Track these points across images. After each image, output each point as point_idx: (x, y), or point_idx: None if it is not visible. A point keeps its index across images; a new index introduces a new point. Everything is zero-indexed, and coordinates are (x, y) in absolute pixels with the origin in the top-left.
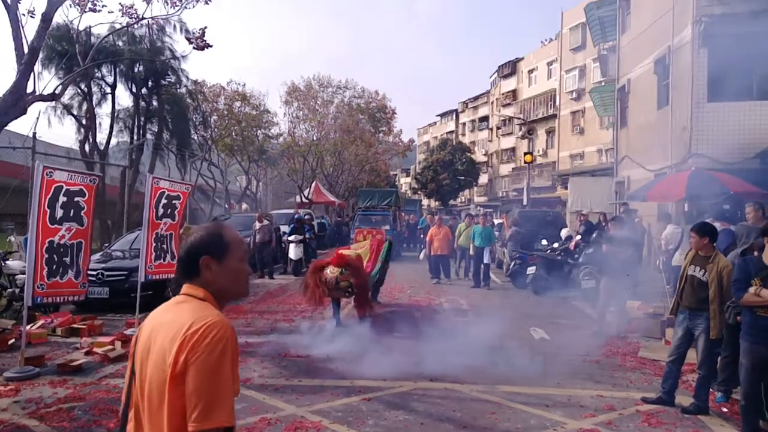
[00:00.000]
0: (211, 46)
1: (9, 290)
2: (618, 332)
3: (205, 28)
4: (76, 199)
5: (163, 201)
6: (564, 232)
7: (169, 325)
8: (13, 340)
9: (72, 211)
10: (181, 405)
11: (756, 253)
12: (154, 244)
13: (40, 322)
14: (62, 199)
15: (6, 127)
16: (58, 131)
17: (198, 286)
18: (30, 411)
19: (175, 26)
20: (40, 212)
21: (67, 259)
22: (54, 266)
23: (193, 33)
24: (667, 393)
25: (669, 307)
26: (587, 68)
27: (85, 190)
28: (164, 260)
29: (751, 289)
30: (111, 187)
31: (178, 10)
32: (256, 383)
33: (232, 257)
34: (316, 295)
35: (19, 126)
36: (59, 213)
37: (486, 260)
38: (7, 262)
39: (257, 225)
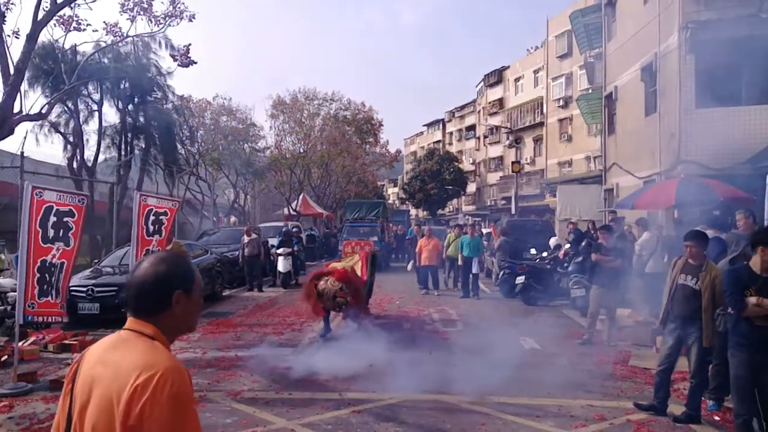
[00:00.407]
0: (195, 63)
1: (1, 308)
2: (608, 341)
3: (189, 45)
4: (65, 219)
5: (152, 218)
6: (553, 241)
7: (114, 368)
8: (5, 357)
9: (61, 231)
10: None
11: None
12: None
13: (31, 339)
14: (52, 219)
15: None
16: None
17: (147, 323)
18: (24, 427)
19: (160, 43)
20: (30, 232)
21: (54, 279)
22: (45, 286)
23: (178, 50)
24: (660, 402)
25: (658, 316)
26: (574, 76)
27: (74, 210)
28: None
29: (752, 299)
30: (100, 203)
31: (162, 28)
32: (246, 397)
33: (197, 290)
34: (314, 306)
35: (8, 144)
36: (51, 233)
37: (474, 270)
38: None
39: (246, 239)
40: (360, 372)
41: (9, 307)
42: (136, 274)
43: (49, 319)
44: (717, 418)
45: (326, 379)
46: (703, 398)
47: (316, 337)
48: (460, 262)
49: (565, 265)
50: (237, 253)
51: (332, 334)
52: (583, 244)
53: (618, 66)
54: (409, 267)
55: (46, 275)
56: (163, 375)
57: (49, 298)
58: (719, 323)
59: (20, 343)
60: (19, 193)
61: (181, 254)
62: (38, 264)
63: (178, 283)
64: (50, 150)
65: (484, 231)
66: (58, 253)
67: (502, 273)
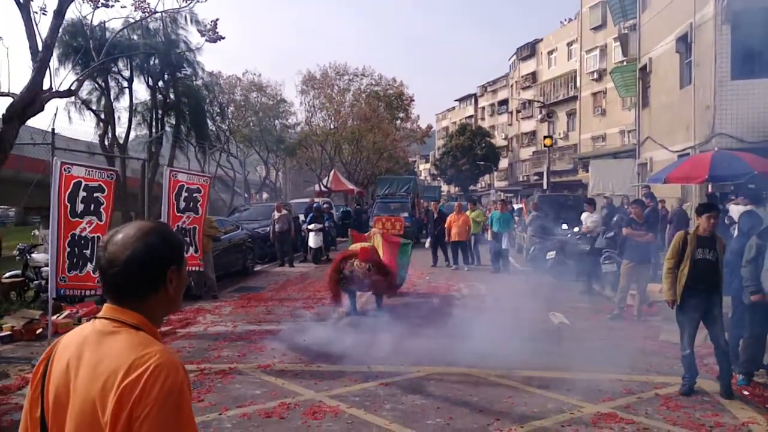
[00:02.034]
0: (223, 38)
1: (35, 282)
2: (638, 315)
3: (217, 20)
4: (95, 194)
5: (184, 194)
6: (585, 216)
7: (94, 367)
8: (40, 330)
9: (92, 206)
10: None
11: None
12: None
13: (66, 312)
14: (82, 194)
15: (27, 124)
16: (80, 126)
17: (128, 310)
18: None
19: (186, 17)
20: (60, 207)
21: (87, 252)
22: (75, 259)
23: (205, 25)
24: (692, 379)
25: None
26: (608, 48)
27: (104, 186)
28: (186, 252)
29: None
30: (132, 180)
31: (190, 3)
32: (275, 369)
33: (185, 264)
34: (336, 295)
35: (40, 122)
36: (80, 207)
37: (505, 245)
38: (32, 255)
39: (276, 215)
40: (388, 346)
41: (43, 282)
42: (116, 250)
43: (83, 293)
44: (746, 392)
45: (354, 352)
46: (732, 373)
47: (346, 313)
48: (489, 237)
49: (597, 240)
50: (268, 229)
51: (361, 310)
52: (615, 218)
53: (653, 37)
54: (427, 244)
55: (76, 249)
56: (154, 372)
57: (78, 271)
58: (745, 296)
59: (54, 317)
60: (50, 169)
61: (166, 225)
62: (68, 239)
63: (173, 257)
64: (82, 127)
65: (516, 207)
66: (89, 227)
67: (533, 248)
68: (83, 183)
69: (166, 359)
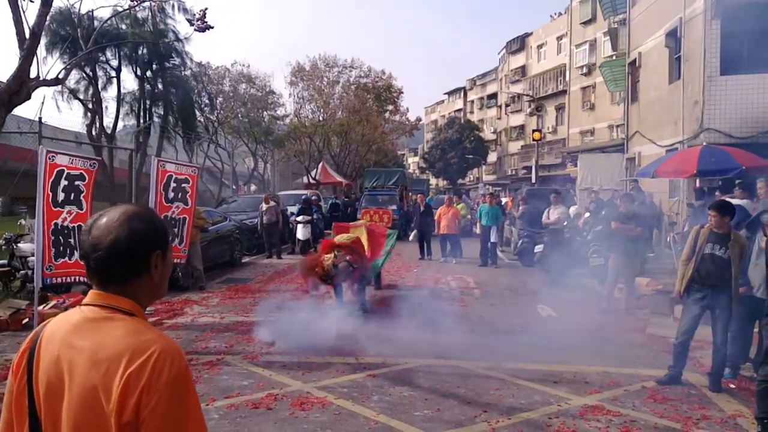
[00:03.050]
0: (212, 28)
1: (22, 272)
2: (626, 309)
3: (206, 9)
4: (76, 183)
5: (172, 184)
6: (573, 210)
7: (92, 354)
8: (27, 320)
9: (72, 195)
10: None
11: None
12: None
13: (52, 303)
14: (63, 182)
15: (14, 113)
16: (67, 116)
17: (118, 295)
18: None
19: (175, 6)
20: (44, 195)
21: (72, 241)
22: (60, 247)
23: (194, 15)
24: (678, 371)
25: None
26: (597, 42)
27: (85, 174)
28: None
29: None
30: (120, 170)
31: None
32: (262, 360)
33: (169, 249)
34: (312, 282)
35: (27, 111)
36: (60, 196)
37: (493, 239)
38: (19, 244)
39: (264, 206)
40: (376, 338)
41: (30, 272)
42: (100, 234)
43: (69, 280)
44: (732, 386)
45: (343, 344)
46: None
47: (333, 304)
48: (477, 231)
49: (585, 233)
50: (256, 220)
51: (348, 301)
52: (603, 212)
53: (642, 32)
54: (411, 237)
55: (60, 237)
56: (159, 357)
57: (67, 258)
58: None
59: (41, 307)
60: (37, 158)
61: (150, 209)
62: (51, 227)
63: (158, 242)
64: (69, 116)
65: (502, 200)
66: (70, 217)
67: (521, 241)
68: (66, 171)
69: (167, 345)
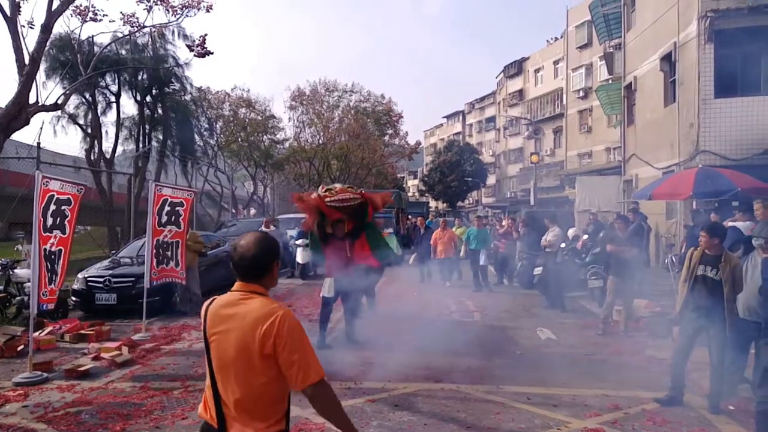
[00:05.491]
0: (212, 53)
1: (18, 298)
2: (624, 331)
3: (206, 35)
4: (62, 207)
5: (167, 208)
6: (571, 232)
7: (241, 318)
8: (22, 347)
9: (58, 219)
10: (263, 370)
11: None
12: (154, 251)
13: (48, 329)
14: (52, 207)
15: (13, 138)
16: (65, 141)
17: (258, 285)
18: (38, 415)
19: (175, 32)
20: (38, 221)
21: (55, 266)
22: (50, 274)
23: (194, 40)
24: (678, 392)
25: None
26: (594, 66)
27: (71, 198)
28: (167, 265)
29: None
30: (118, 195)
31: (179, 18)
32: None
33: (280, 257)
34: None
35: (27, 136)
36: (49, 221)
37: (482, 262)
38: (15, 270)
39: (265, 231)
40: (375, 362)
41: (26, 297)
42: (243, 249)
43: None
44: (731, 407)
45: (341, 368)
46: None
47: (333, 329)
48: (462, 255)
49: (583, 255)
50: None
51: (346, 326)
52: (601, 234)
53: (637, 56)
54: (411, 260)
55: (48, 263)
56: (283, 316)
57: (53, 285)
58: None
59: (36, 333)
60: (34, 183)
61: (269, 234)
62: (43, 252)
63: (275, 254)
64: (67, 141)
65: (503, 222)
66: (55, 241)
67: (520, 264)
68: (55, 196)
69: (285, 311)
